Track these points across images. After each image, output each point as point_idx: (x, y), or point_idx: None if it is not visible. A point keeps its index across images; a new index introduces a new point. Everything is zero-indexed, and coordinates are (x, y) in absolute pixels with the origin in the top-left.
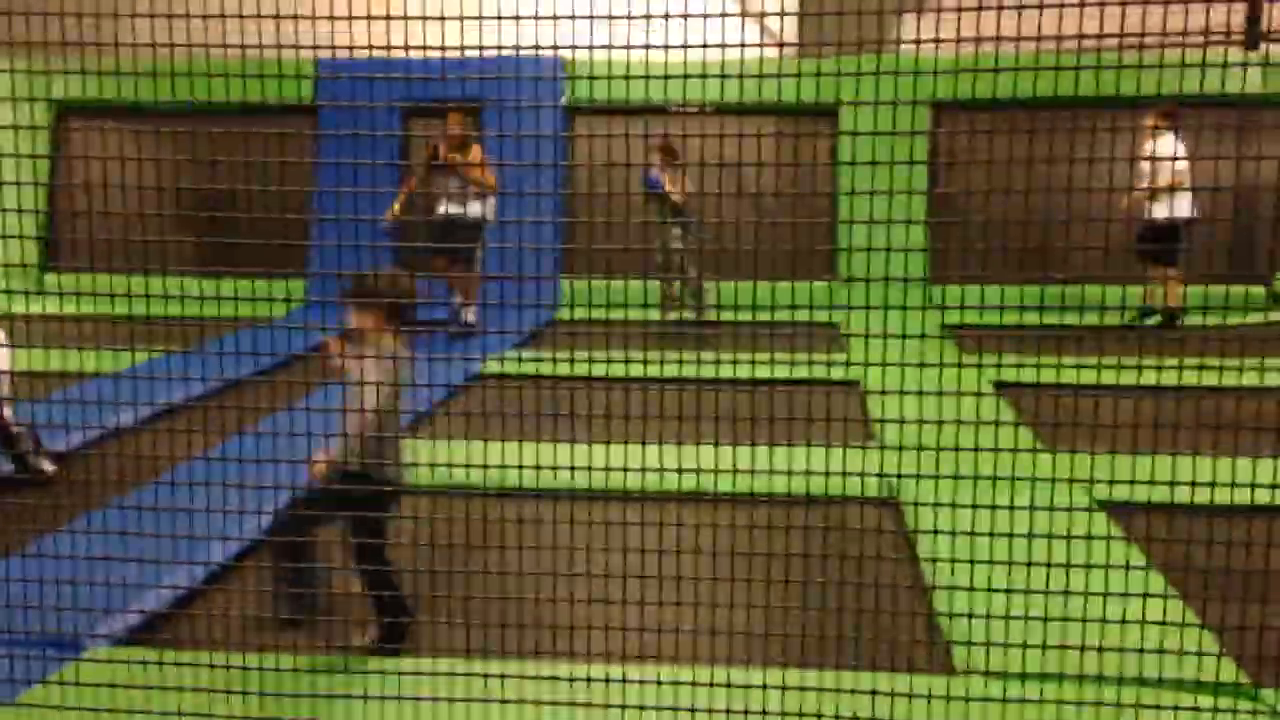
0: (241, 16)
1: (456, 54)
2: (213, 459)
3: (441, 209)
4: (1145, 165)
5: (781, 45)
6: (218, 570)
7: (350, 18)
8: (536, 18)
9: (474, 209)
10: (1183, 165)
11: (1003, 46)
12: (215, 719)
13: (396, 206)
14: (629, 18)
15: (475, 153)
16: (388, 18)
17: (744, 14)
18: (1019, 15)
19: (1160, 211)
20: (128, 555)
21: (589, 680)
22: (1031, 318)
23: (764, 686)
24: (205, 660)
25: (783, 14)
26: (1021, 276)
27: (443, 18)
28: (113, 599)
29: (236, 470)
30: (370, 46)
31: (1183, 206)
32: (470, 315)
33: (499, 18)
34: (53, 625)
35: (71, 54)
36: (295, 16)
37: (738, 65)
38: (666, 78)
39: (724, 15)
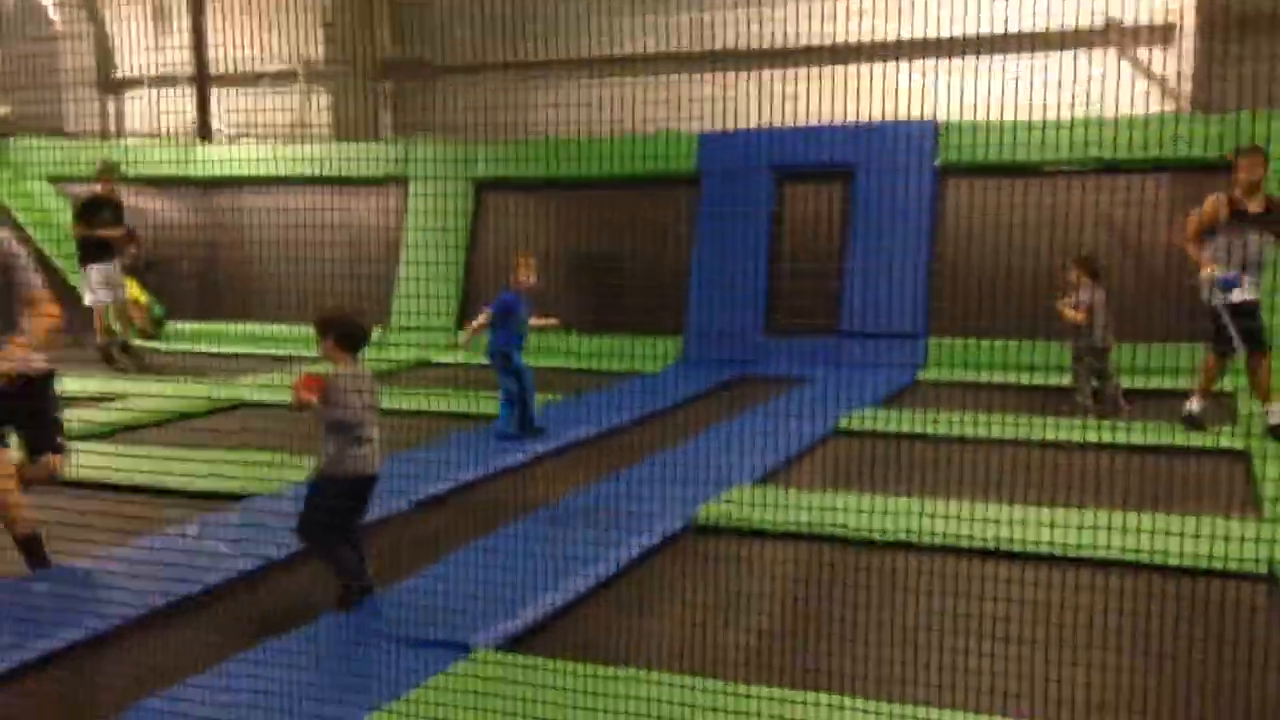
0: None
1: (829, 122)
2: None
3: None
4: None
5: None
6: (592, 588)
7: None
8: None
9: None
10: None
11: None
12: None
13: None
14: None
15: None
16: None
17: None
18: None
19: None
20: (515, 568)
21: None
22: None
23: None
24: (577, 669)
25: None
26: None
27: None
28: (497, 609)
29: (614, 503)
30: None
31: None
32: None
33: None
34: (445, 629)
35: (490, 138)
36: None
37: (1125, 122)
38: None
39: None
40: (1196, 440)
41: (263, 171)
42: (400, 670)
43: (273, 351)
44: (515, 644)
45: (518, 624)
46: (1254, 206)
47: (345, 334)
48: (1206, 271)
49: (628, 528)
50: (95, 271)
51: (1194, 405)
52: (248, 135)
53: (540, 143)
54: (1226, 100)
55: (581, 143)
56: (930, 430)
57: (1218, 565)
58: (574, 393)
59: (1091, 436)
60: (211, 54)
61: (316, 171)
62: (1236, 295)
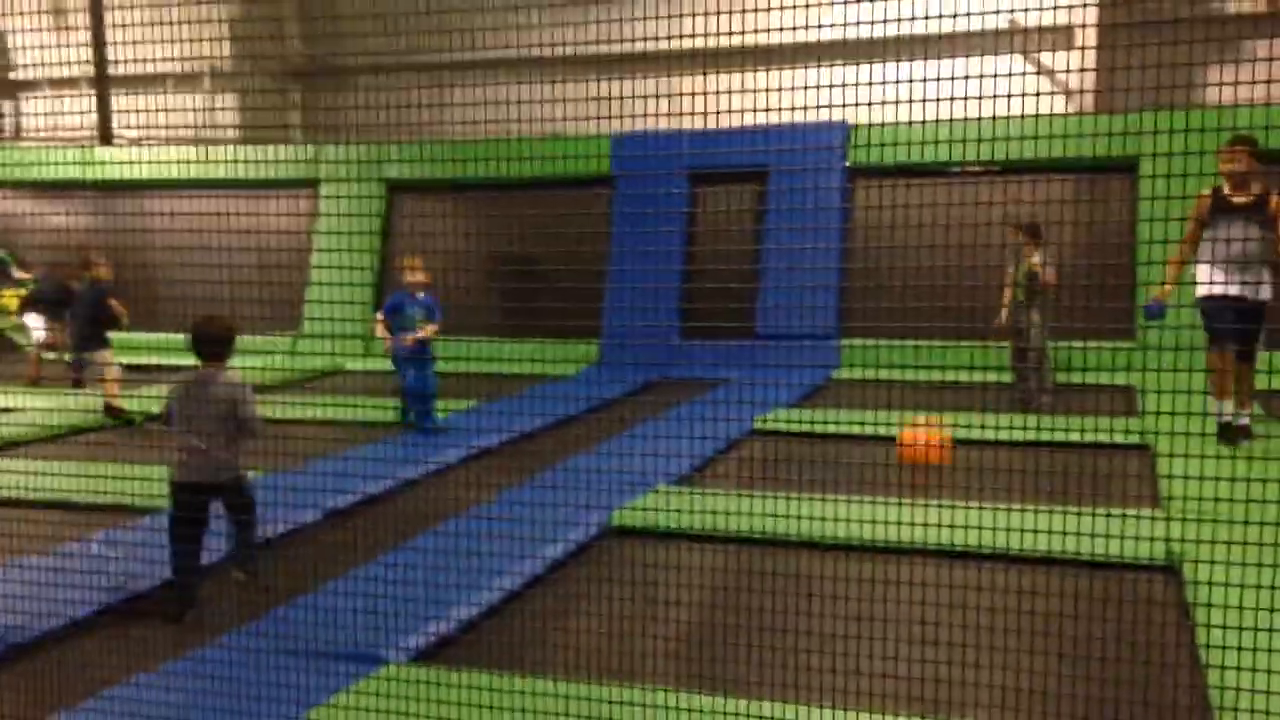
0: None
1: (741, 124)
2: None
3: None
4: None
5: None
6: (506, 597)
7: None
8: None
9: (1264, 288)
10: None
11: None
12: None
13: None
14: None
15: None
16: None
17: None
18: None
19: None
20: (423, 581)
21: None
22: None
23: None
24: (492, 680)
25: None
26: None
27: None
28: (410, 621)
29: (526, 511)
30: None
31: None
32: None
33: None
34: (355, 642)
35: (401, 139)
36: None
37: (1030, 122)
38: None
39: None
40: (1101, 435)
41: (167, 175)
42: (308, 686)
43: (178, 362)
44: (429, 656)
45: (431, 636)
46: (1240, 199)
47: (192, 345)
48: (1165, 289)
49: (543, 534)
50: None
51: (1225, 411)
52: (151, 138)
53: (453, 144)
54: (1128, 101)
55: (495, 144)
56: (845, 430)
57: (1122, 558)
58: (489, 398)
59: (999, 434)
60: (112, 54)
61: (223, 175)
62: (1220, 290)
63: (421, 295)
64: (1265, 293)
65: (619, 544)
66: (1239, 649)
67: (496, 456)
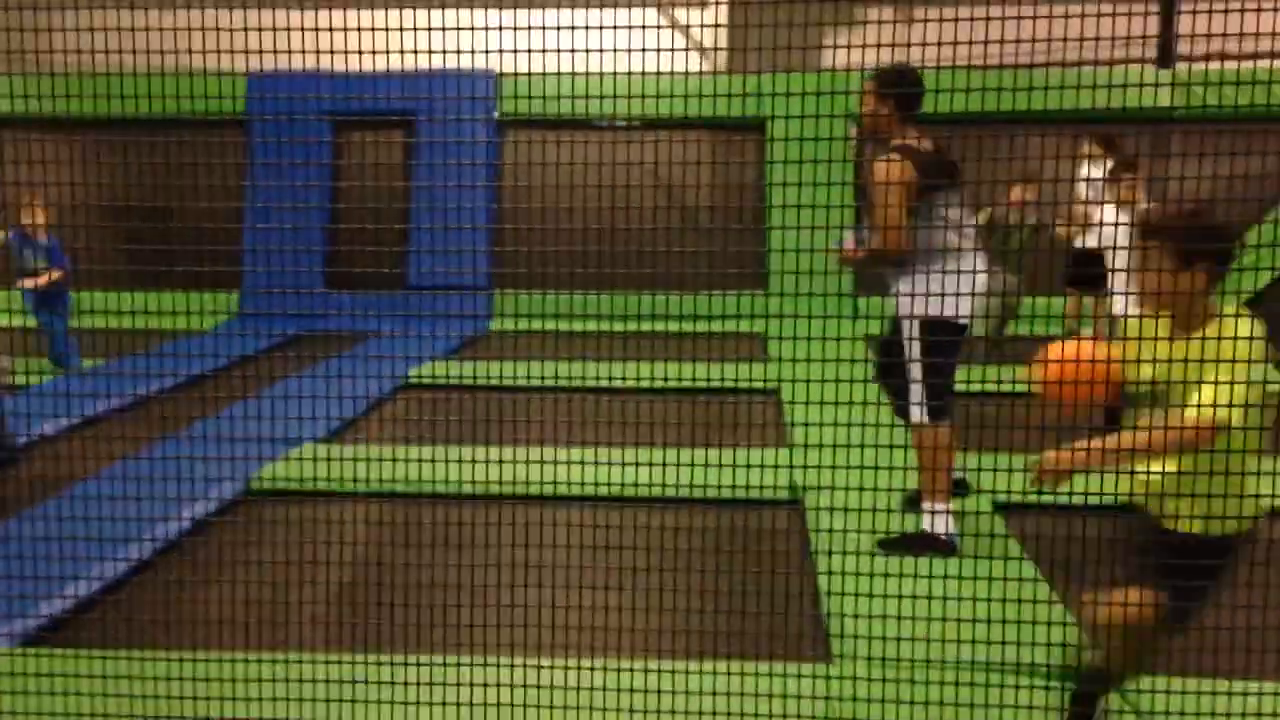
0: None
1: (388, 67)
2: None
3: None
4: (1080, 190)
5: (700, 48)
6: (125, 573)
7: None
8: (467, 28)
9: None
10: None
11: (927, 61)
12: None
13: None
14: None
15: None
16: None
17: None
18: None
19: (1090, 240)
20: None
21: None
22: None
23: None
24: (113, 659)
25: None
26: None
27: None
28: (16, 603)
29: (149, 479)
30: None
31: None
32: None
33: (432, 28)
34: None
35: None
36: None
37: (667, 79)
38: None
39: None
40: (735, 380)
41: None
42: None
43: None
44: (41, 639)
45: (43, 617)
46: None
47: None
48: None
49: (175, 500)
50: None
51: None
52: None
53: (64, 76)
54: (759, 63)
55: (114, 78)
56: (497, 380)
57: (754, 494)
58: (116, 354)
59: (640, 382)
60: None
61: None
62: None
63: (43, 239)
64: (905, 306)
65: (260, 506)
66: (856, 575)
67: (126, 417)
